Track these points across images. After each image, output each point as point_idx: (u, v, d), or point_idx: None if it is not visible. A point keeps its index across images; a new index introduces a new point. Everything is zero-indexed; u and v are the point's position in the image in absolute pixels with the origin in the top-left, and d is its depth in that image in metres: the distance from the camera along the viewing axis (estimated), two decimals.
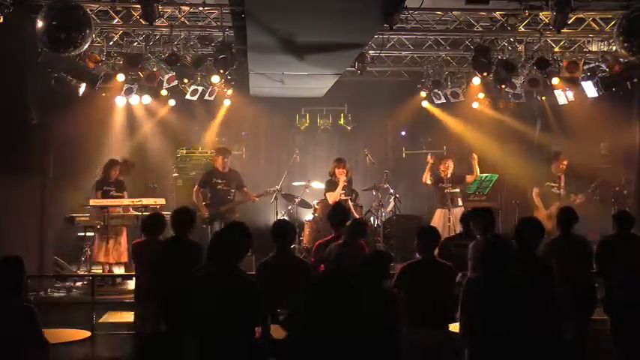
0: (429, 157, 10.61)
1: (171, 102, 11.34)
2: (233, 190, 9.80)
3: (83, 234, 9.83)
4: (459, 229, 9.53)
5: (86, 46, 7.44)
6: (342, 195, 9.86)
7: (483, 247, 4.59)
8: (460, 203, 10.28)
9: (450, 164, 10.33)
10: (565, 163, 9.99)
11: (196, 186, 9.90)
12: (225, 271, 4.26)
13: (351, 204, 9.84)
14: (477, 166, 10.43)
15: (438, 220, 10.31)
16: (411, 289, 5.16)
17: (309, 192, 10.83)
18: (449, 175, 10.21)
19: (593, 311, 6.39)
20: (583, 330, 6.20)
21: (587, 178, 10.17)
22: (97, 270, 9.65)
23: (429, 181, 10.48)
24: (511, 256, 4.36)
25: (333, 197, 9.78)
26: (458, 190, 10.32)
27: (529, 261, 4.57)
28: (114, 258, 9.72)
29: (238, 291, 4.21)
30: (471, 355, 4.35)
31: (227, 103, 11.42)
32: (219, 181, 9.77)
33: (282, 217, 6.52)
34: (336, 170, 9.95)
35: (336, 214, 6.43)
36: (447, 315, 5.24)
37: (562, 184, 9.90)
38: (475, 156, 10.51)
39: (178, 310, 4.32)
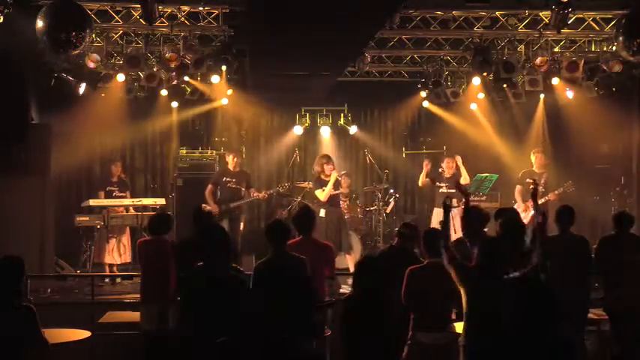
0: (425, 162, 10.26)
1: (174, 104, 11.30)
2: (243, 189, 9.83)
3: (83, 234, 9.82)
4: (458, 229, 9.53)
5: (86, 46, 7.45)
6: (341, 193, 9.79)
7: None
8: (456, 204, 9.97)
9: (452, 164, 10.15)
10: (539, 157, 9.63)
11: (209, 185, 9.89)
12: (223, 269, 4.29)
13: (343, 202, 9.85)
14: (462, 168, 10.00)
15: (436, 221, 10.22)
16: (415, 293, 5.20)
17: (309, 192, 10.80)
18: (448, 176, 10.09)
19: (588, 311, 6.41)
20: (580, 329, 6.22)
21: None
22: (98, 270, 9.64)
23: (420, 184, 10.38)
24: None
25: (325, 195, 9.55)
26: (454, 190, 10.10)
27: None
28: (115, 258, 9.72)
29: (234, 289, 4.22)
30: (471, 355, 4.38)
31: (225, 102, 11.37)
32: (230, 180, 9.80)
33: (276, 219, 6.45)
34: (325, 167, 9.71)
35: (300, 217, 6.00)
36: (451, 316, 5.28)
37: (542, 181, 9.21)
38: (458, 158, 10.05)
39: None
